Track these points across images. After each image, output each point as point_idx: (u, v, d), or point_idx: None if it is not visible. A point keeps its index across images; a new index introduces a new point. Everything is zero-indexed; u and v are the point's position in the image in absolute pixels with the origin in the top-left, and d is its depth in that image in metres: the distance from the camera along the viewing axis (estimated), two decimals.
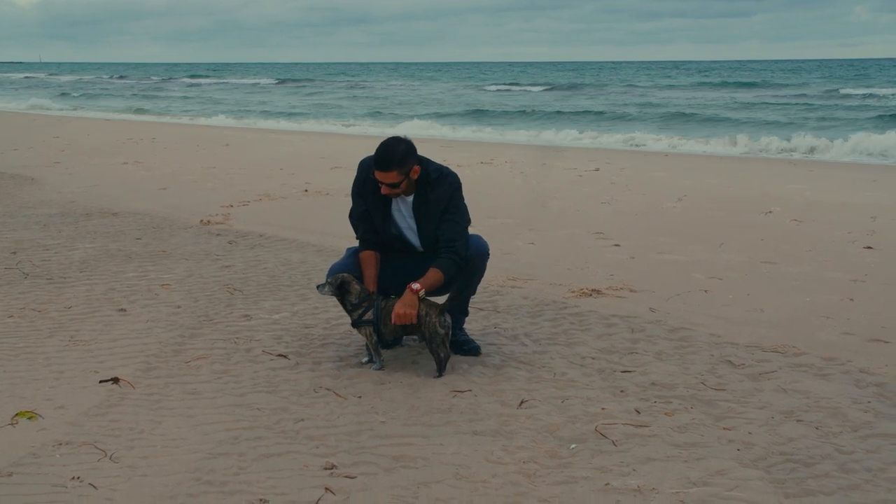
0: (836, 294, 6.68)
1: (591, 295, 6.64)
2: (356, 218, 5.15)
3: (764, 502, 3.50)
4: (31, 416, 4.28)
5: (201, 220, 9.64)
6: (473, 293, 5.38)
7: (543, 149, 19.95)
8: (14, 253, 7.89)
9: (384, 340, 5.09)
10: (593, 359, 5.22)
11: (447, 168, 5.08)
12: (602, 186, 12.61)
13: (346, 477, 3.69)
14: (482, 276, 5.31)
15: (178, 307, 6.22)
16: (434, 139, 22.04)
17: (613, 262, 7.81)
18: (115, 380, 4.76)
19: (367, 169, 5.01)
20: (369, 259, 5.11)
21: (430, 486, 3.62)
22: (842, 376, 4.94)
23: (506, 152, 18.32)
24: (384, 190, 4.87)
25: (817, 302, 6.46)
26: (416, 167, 4.88)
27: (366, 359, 5.12)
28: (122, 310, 6.14)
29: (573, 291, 6.73)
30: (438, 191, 4.96)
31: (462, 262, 4.98)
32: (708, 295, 6.68)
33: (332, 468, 3.72)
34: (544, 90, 53.63)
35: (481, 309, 6.20)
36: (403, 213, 5.07)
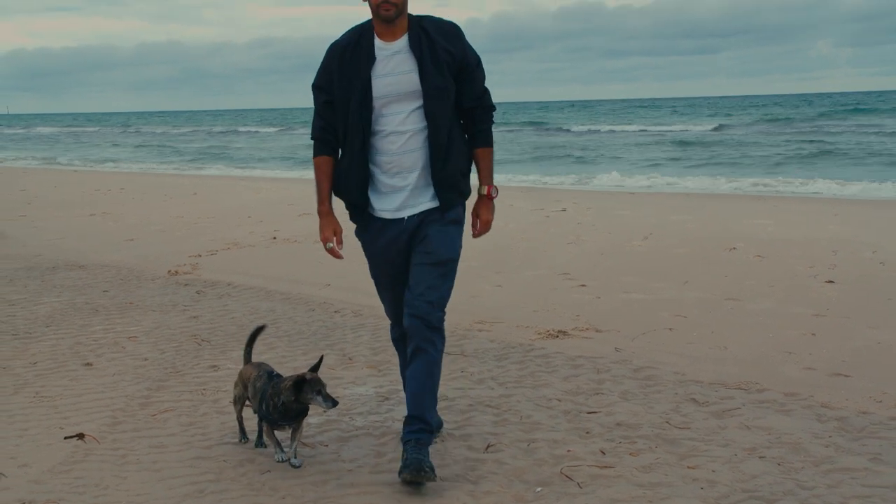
0: (798, 329, 6.76)
1: (557, 336, 6.69)
2: (316, 111, 4.25)
3: None
4: None
5: (169, 271, 9.62)
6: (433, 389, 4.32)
7: (510, 189, 20.08)
8: None
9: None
10: (559, 400, 5.26)
11: None
12: (569, 226, 12.71)
13: None
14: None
15: (146, 360, 6.21)
16: None
17: (579, 302, 7.87)
18: (81, 435, 4.75)
19: (341, 40, 4.15)
20: (323, 168, 4.26)
21: None
22: (803, 411, 5.01)
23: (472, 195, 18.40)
24: (384, 5, 3.93)
25: (780, 337, 6.55)
26: None
27: (282, 455, 4.38)
28: (88, 364, 6.12)
29: (539, 333, 6.78)
30: (443, 30, 4.10)
31: (494, 110, 4.31)
32: (673, 333, 6.75)
33: None
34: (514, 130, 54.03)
35: (448, 353, 6.20)
36: (393, 67, 4.07)
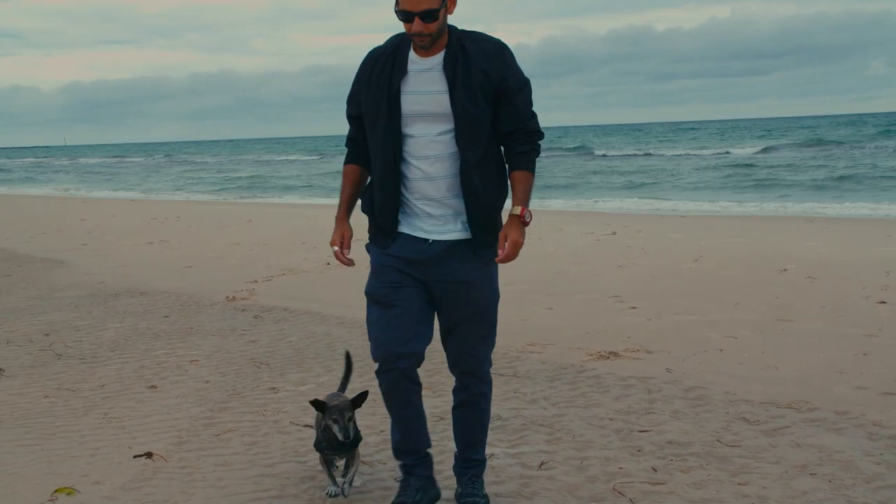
0: (849, 349, 6.79)
1: (608, 357, 6.79)
2: (349, 120, 4.05)
3: None
4: (69, 492, 4.45)
5: (227, 297, 9.86)
6: (484, 431, 4.29)
7: (560, 214, 20.18)
8: (47, 335, 8.13)
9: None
10: (611, 420, 5.36)
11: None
12: (618, 250, 12.78)
13: None
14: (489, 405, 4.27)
15: (207, 382, 6.41)
16: None
17: (630, 324, 7.95)
18: (149, 454, 4.94)
19: (376, 50, 3.88)
20: (349, 176, 4.07)
21: None
22: (855, 430, 5.06)
23: None
24: (417, 37, 3.63)
25: (831, 357, 6.58)
26: None
27: (334, 489, 4.34)
28: (152, 387, 6.33)
29: (591, 354, 6.88)
30: (481, 48, 3.74)
31: (541, 136, 3.94)
32: (723, 354, 6.81)
33: None
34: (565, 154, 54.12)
35: (501, 375, 6.35)
36: (423, 84, 3.76)
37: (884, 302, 8.44)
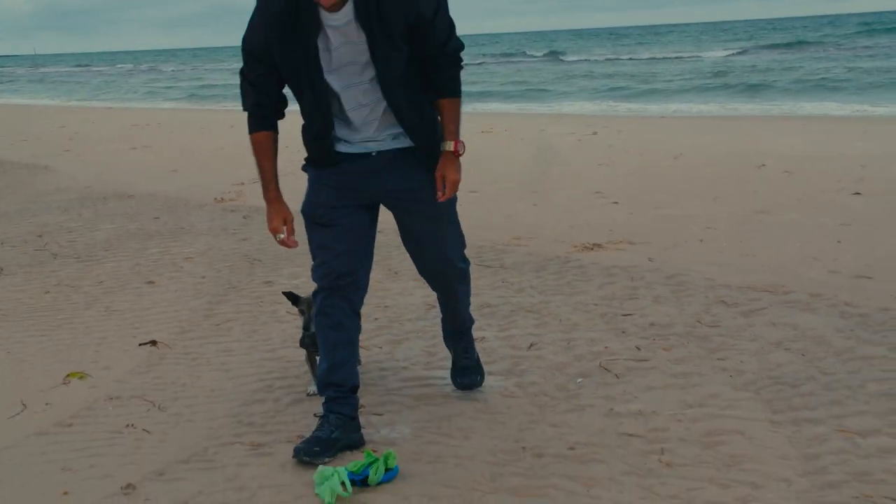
0: (824, 237, 7.03)
1: (592, 249, 7.00)
2: (250, 81, 3.60)
3: (754, 418, 3.87)
4: (81, 376, 4.66)
5: (215, 198, 9.99)
6: (466, 314, 4.28)
7: (541, 116, 20.27)
8: (40, 236, 8.26)
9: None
10: (596, 305, 5.59)
11: None
12: (600, 149, 12.95)
13: (374, 414, 4.06)
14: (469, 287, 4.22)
15: (203, 277, 6.59)
16: None
17: (613, 218, 8.16)
18: (153, 342, 5.14)
19: (272, 14, 3.40)
20: (264, 146, 3.73)
21: (451, 419, 3.99)
22: (828, 310, 5.31)
23: (505, 121, 18.64)
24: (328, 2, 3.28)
25: (806, 246, 6.82)
26: None
27: (313, 388, 4.27)
28: (150, 282, 6.51)
29: (575, 246, 7.09)
30: None
31: (461, 50, 3.64)
32: (703, 244, 7.04)
33: (361, 406, 4.09)
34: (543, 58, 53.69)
35: (489, 266, 6.55)
36: (341, 38, 3.42)
37: (858, 193, 8.68)
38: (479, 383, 4.32)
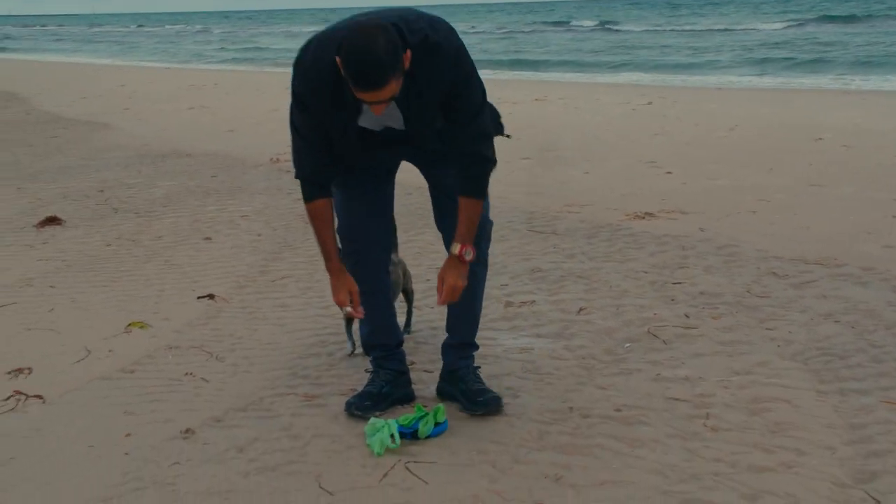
0: (879, 212, 6.98)
1: (644, 218, 7.02)
2: (302, 153, 3.45)
3: (800, 387, 3.90)
4: (142, 325, 4.81)
5: (271, 159, 10.13)
6: (479, 306, 3.88)
7: (596, 85, 20.18)
8: (101, 191, 8.47)
9: None
10: (646, 273, 5.62)
11: (433, 20, 3.25)
12: (654, 119, 12.89)
13: (424, 371, 4.15)
14: (486, 272, 3.84)
15: (259, 235, 6.73)
16: (487, 80, 22.29)
17: (665, 188, 8.16)
18: (212, 296, 5.28)
19: (315, 74, 3.23)
20: (323, 214, 3.51)
21: (500, 378, 4.07)
22: (880, 283, 5.29)
23: (560, 89, 18.58)
24: (377, 110, 3.09)
25: (861, 220, 6.78)
26: (407, 52, 3.05)
27: (349, 348, 4.41)
28: (207, 238, 6.66)
29: (627, 215, 7.11)
30: (431, 65, 3.17)
31: (493, 163, 3.45)
32: (756, 215, 7.02)
33: (411, 363, 4.18)
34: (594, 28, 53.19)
35: (540, 232, 6.61)
36: (379, 116, 3.26)
37: None
38: (501, 401, 3.76)
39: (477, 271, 3.68)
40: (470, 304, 3.74)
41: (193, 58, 39.76)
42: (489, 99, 3.48)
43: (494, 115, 3.62)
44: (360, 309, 3.56)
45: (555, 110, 14.40)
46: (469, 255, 3.45)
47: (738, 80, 21.48)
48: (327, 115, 3.30)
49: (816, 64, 24.60)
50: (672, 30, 48.60)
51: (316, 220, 3.50)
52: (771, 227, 6.66)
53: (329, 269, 3.56)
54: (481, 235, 3.61)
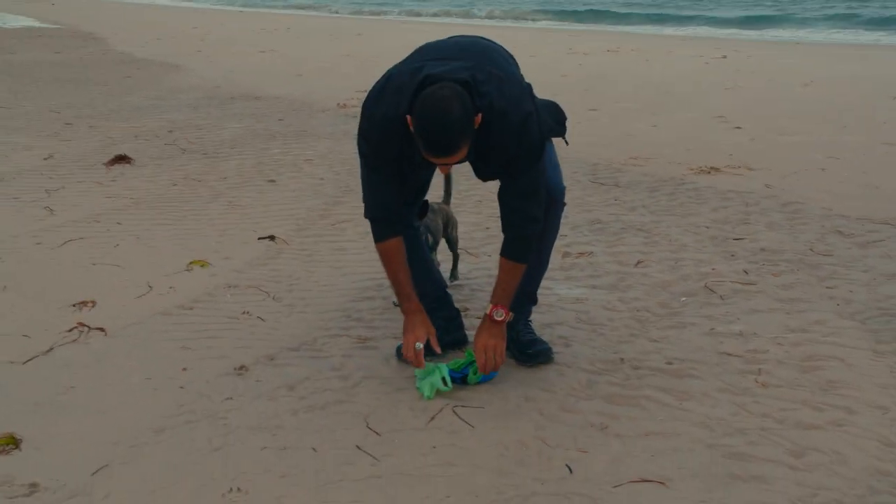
0: None
1: (709, 172, 6.93)
2: (372, 188, 3.47)
3: (856, 347, 3.85)
4: (203, 264, 4.90)
5: (338, 104, 10.17)
6: (545, 266, 3.82)
7: (670, 38, 19.83)
8: (171, 132, 8.59)
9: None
10: (707, 228, 5.56)
11: (502, 81, 3.18)
12: (727, 73, 12.65)
13: (477, 318, 4.16)
14: (556, 234, 3.75)
15: (322, 179, 6.78)
16: (560, 30, 22.02)
17: (733, 143, 8.03)
18: (272, 237, 5.35)
19: (385, 125, 3.23)
20: (397, 252, 3.50)
21: (553, 327, 4.08)
22: None
23: (633, 41, 18.30)
24: (444, 170, 3.33)
25: None
26: (478, 116, 3.06)
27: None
28: (271, 181, 6.73)
29: (692, 169, 7.02)
30: (495, 130, 3.15)
31: (539, 224, 3.41)
32: (824, 172, 6.89)
33: (465, 310, 4.20)
34: None
35: (603, 184, 6.57)
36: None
37: None
38: (552, 352, 3.78)
39: (548, 234, 3.64)
40: (535, 260, 3.65)
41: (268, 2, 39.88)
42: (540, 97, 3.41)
43: (559, 116, 3.55)
44: (423, 359, 3.46)
45: (626, 62, 14.19)
46: (501, 317, 3.44)
47: (816, 35, 20.93)
48: (395, 160, 3.30)
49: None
50: None
51: (388, 260, 3.50)
52: (839, 184, 6.53)
53: (407, 309, 3.51)
54: (555, 200, 3.55)
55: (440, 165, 3.17)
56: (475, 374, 3.54)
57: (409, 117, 3.07)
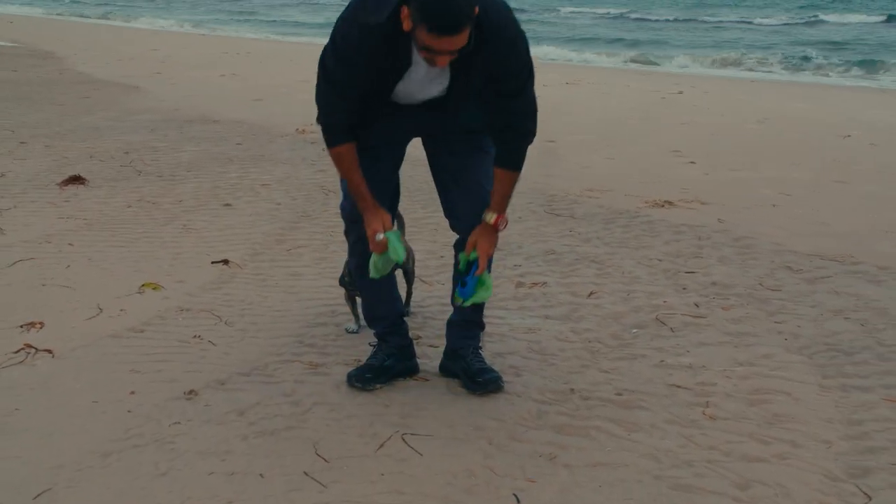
0: None
1: (663, 206, 7.00)
2: (331, 98, 3.36)
3: (803, 381, 3.91)
4: (155, 287, 4.87)
5: (297, 129, 10.16)
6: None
7: (628, 72, 20.06)
8: (127, 153, 8.53)
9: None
10: (659, 260, 5.62)
11: (496, 4, 3.19)
12: (683, 108, 12.80)
13: (430, 346, 4.19)
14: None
15: (278, 204, 6.77)
16: None
17: (687, 177, 8.13)
18: (226, 261, 5.33)
19: (367, 34, 3.15)
20: (351, 156, 3.43)
21: (504, 356, 4.10)
22: (894, 283, 5.27)
23: (593, 74, 18.49)
24: (442, 61, 3.08)
25: (882, 218, 6.73)
26: (475, 6, 3.00)
27: (353, 326, 4.40)
28: (227, 204, 6.71)
29: (646, 202, 7.10)
30: (491, 46, 3.16)
31: (534, 136, 3.47)
32: (775, 209, 6.99)
33: (417, 338, 4.21)
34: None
35: (558, 215, 6.62)
36: (418, 74, 3.31)
37: None
38: (502, 380, 3.79)
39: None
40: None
41: (230, 24, 39.80)
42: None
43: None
44: (383, 239, 3.45)
45: (584, 94, 14.34)
46: (503, 225, 3.52)
47: (773, 74, 21.25)
48: (372, 70, 3.25)
49: (864, 65, 24.25)
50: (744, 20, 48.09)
51: (343, 163, 3.44)
52: (790, 221, 6.63)
53: (363, 207, 3.47)
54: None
55: (439, 56, 3.04)
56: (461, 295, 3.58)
57: (404, 9, 3.01)
